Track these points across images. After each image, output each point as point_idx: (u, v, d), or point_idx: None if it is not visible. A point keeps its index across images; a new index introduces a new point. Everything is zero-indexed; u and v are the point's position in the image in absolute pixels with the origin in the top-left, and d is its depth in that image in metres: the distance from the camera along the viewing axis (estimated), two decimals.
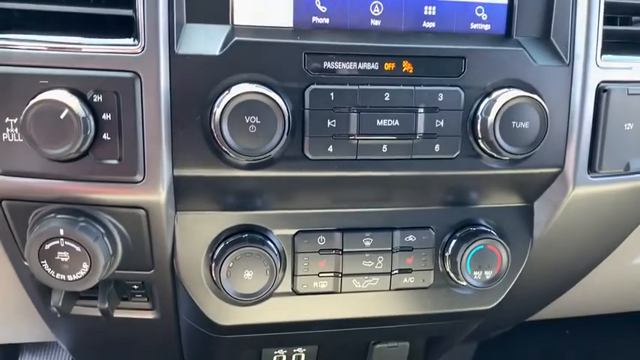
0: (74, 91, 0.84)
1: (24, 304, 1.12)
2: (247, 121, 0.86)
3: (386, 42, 0.93)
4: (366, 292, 1.05)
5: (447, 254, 1.05)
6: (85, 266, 0.88)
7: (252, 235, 0.99)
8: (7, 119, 0.85)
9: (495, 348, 1.94)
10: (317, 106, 0.90)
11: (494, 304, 1.11)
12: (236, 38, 0.88)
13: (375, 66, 0.92)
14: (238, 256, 0.96)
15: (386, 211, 1.04)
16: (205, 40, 0.88)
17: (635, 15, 1.09)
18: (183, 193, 0.93)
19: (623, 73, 1.02)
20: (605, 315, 1.68)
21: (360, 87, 0.91)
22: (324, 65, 0.90)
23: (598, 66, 1.00)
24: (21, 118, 0.82)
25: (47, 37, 0.86)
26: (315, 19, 0.94)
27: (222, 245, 0.98)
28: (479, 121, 0.95)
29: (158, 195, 0.90)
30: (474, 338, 1.53)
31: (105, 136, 0.86)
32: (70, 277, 0.89)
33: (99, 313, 1.03)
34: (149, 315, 1.10)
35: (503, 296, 1.11)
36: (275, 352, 1.21)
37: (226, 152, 0.88)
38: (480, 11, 0.98)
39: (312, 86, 0.90)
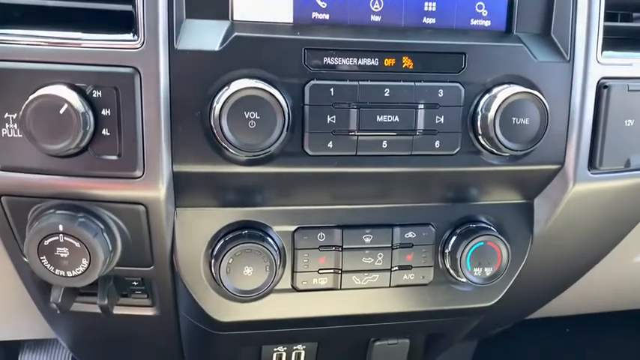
0: (73, 87, 0.84)
1: (24, 300, 1.12)
2: (247, 116, 0.86)
3: (386, 38, 0.92)
4: (365, 288, 1.05)
5: (447, 251, 1.05)
6: (85, 262, 0.88)
7: (251, 232, 0.98)
8: (6, 115, 0.85)
9: (495, 346, 1.94)
10: (317, 102, 0.90)
11: (494, 301, 1.11)
12: (236, 34, 0.88)
13: (375, 62, 0.92)
14: (238, 253, 0.96)
15: (386, 208, 1.04)
16: (205, 36, 0.88)
17: (636, 11, 1.09)
18: (183, 189, 0.93)
19: (624, 69, 1.02)
20: (606, 313, 1.68)
21: (360, 83, 0.91)
22: (324, 61, 0.90)
23: (598, 62, 1.00)
24: (20, 113, 0.82)
25: (47, 32, 0.86)
26: (315, 14, 0.93)
27: (221, 241, 0.98)
28: (479, 117, 0.94)
29: (158, 191, 0.90)
30: (473, 336, 1.53)
31: (104, 132, 0.86)
32: (69, 273, 0.89)
33: (98, 310, 1.03)
34: (149, 311, 1.09)
35: (503, 293, 1.11)
36: (275, 349, 1.21)
37: (226, 148, 0.88)
38: (480, 7, 0.98)
39: (312, 82, 0.90)
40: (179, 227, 0.97)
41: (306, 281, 1.03)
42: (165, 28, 0.86)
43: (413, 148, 0.94)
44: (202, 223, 0.98)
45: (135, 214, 0.92)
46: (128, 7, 0.87)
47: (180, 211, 0.97)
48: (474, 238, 1.03)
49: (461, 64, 0.94)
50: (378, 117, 0.92)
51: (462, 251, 1.03)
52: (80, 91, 0.84)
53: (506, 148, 0.94)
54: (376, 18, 0.95)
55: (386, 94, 0.92)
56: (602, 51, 1.00)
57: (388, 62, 0.92)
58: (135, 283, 1.05)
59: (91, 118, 0.84)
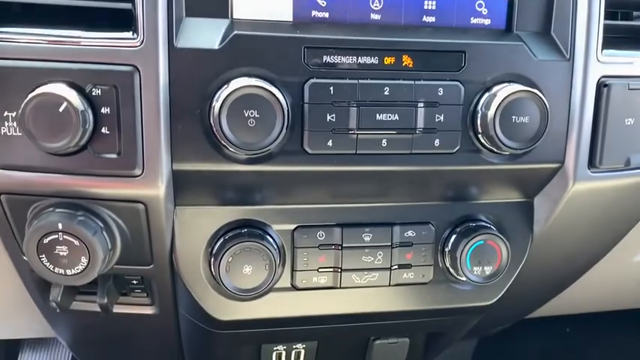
0: (73, 85, 0.84)
1: (23, 299, 1.12)
2: (246, 115, 0.85)
3: (386, 36, 0.92)
4: (365, 287, 1.05)
5: (446, 250, 1.05)
6: (84, 260, 0.88)
7: (251, 230, 0.98)
8: (5, 113, 0.85)
9: (495, 345, 1.94)
10: (316, 100, 0.90)
11: (494, 300, 1.11)
12: (235, 32, 0.87)
13: (374, 60, 0.92)
14: (237, 251, 0.95)
15: (385, 207, 1.04)
16: (204, 34, 0.88)
17: (636, 10, 1.09)
18: (183, 187, 0.93)
19: (624, 67, 1.02)
20: (606, 312, 1.67)
21: (360, 81, 0.91)
22: (324, 59, 0.90)
23: (599, 61, 1.00)
24: (19, 111, 0.82)
25: (46, 30, 0.86)
26: (314, 13, 0.93)
27: (221, 240, 0.98)
28: (479, 115, 0.94)
29: (157, 189, 0.89)
30: (473, 335, 1.53)
31: (104, 130, 0.86)
32: (68, 272, 0.89)
33: (98, 309, 1.03)
34: (148, 310, 1.09)
35: (502, 292, 1.11)
36: (274, 348, 1.21)
37: (225, 146, 0.88)
38: (480, 6, 0.98)
39: (312, 80, 0.89)
40: (178, 226, 0.97)
41: (306, 280, 1.02)
42: (164, 26, 0.86)
43: (413, 146, 0.94)
44: (202, 221, 0.98)
45: (134, 213, 0.92)
46: (128, 6, 0.87)
47: (180, 210, 0.97)
48: (474, 237, 1.03)
49: (461, 63, 0.94)
50: (377, 115, 0.92)
51: (462, 250, 1.03)
52: (79, 90, 0.84)
53: (506, 146, 0.94)
54: (376, 16, 0.95)
55: (386, 93, 0.92)
56: (602, 49, 1.00)
57: (388, 61, 0.92)
58: (134, 282, 1.05)
59: (91, 117, 0.84)
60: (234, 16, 0.91)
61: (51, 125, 0.82)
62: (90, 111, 0.84)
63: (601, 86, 1.00)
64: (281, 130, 0.87)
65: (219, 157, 0.90)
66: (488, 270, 1.05)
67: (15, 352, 1.83)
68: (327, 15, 0.94)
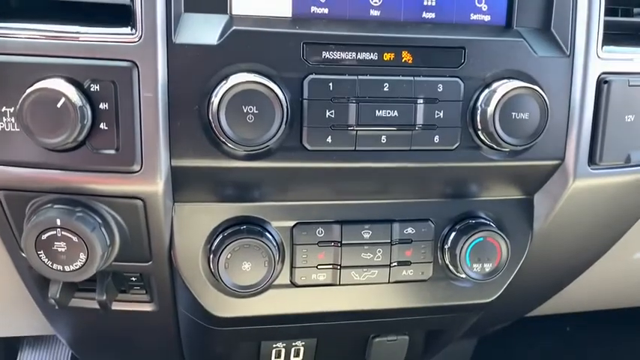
0: (71, 80, 0.83)
1: (22, 297, 1.12)
2: (245, 110, 0.85)
3: (385, 32, 0.92)
4: (364, 284, 1.04)
5: (446, 247, 1.05)
6: (82, 257, 0.88)
7: (250, 227, 0.98)
8: (3, 108, 0.85)
9: (495, 344, 1.94)
10: (315, 96, 0.89)
11: (494, 298, 1.11)
12: (234, 28, 0.87)
13: (374, 56, 0.91)
14: (236, 248, 0.95)
15: (385, 203, 1.04)
16: (203, 30, 0.88)
17: (637, 6, 1.09)
18: (181, 183, 0.93)
19: (624, 64, 1.01)
20: (606, 311, 1.67)
21: (359, 77, 0.91)
22: (323, 55, 0.90)
23: (599, 57, 0.99)
24: (17, 107, 0.82)
25: (44, 25, 0.86)
26: (314, 9, 0.93)
27: (220, 237, 0.97)
28: (478, 112, 0.94)
29: (156, 185, 0.89)
30: (473, 333, 1.53)
31: (102, 126, 0.85)
32: (67, 268, 0.88)
33: (97, 306, 1.03)
34: (147, 307, 1.09)
35: (502, 289, 1.11)
36: (274, 345, 1.21)
37: (224, 142, 0.88)
38: (480, 2, 0.98)
39: (311, 76, 0.89)
40: (177, 222, 0.97)
41: (305, 277, 1.02)
42: (163, 21, 0.86)
43: (412, 143, 0.94)
44: (201, 218, 0.98)
45: (133, 209, 0.91)
46: (126, 1, 0.86)
47: (179, 206, 0.97)
48: (474, 234, 1.02)
49: (460, 59, 0.94)
50: (377, 112, 0.91)
51: (462, 247, 1.02)
52: (78, 85, 0.84)
53: (506, 143, 0.93)
54: (375, 12, 0.95)
55: (385, 89, 0.91)
56: (602, 46, 0.99)
57: (387, 57, 0.92)
58: (133, 279, 1.05)
59: (89, 112, 0.84)
60: (233, 12, 0.91)
61: (49, 121, 0.81)
62: (88, 106, 0.83)
63: (601, 83, 1.00)
64: (280, 126, 0.87)
65: (218, 153, 0.89)
66: (487, 267, 1.04)
67: (14, 351, 1.83)
68: (326, 11, 0.93)
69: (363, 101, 0.91)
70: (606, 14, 1.00)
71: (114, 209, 0.91)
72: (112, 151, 0.87)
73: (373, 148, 0.93)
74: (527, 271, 1.12)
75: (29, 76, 0.83)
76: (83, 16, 0.87)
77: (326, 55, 0.90)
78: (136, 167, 0.88)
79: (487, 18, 0.98)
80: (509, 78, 0.95)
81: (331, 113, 0.90)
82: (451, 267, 1.06)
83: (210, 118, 0.86)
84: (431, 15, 0.96)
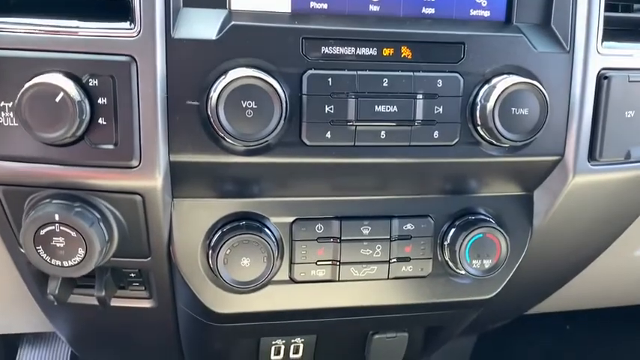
0: (70, 75, 0.83)
1: (22, 293, 1.12)
2: (244, 105, 0.85)
3: (385, 27, 0.92)
4: (364, 280, 1.04)
5: (445, 243, 1.05)
6: (81, 252, 0.88)
7: (249, 223, 0.98)
8: (2, 103, 0.85)
9: (494, 342, 1.94)
10: (314, 92, 0.89)
11: (493, 294, 1.10)
12: (233, 22, 0.87)
13: (373, 51, 0.91)
14: (235, 243, 0.95)
15: (384, 199, 1.04)
16: (202, 25, 0.87)
17: (637, 2, 1.09)
18: (180, 179, 0.93)
19: (624, 60, 1.01)
20: (606, 309, 1.67)
21: (359, 72, 0.90)
22: (322, 50, 0.89)
23: (599, 53, 0.99)
24: (16, 101, 0.81)
25: (43, 20, 0.85)
26: (313, 4, 0.93)
27: (219, 232, 0.97)
28: (478, 107, 0.94)
29: (154, 180, 0.89)
30: (473, 330, 1.52)
31: (100, 121, 0.85)
32: (65, 263, 0.88)
33: (96, 302, 1.03)
34: (146, 304, 1.09)
35: (502, 286, 1.10)
36: (273, 342, 1.21)
37: (223, 137, 0.88)
38: None
39: (310, 71, 0.89)
40: (176, 218, 0.97)
41: (304, 273, 1.02)
42: (162, 16, 0.86)
43: (411, 138, 0.94)
44: (200, 213, 0.98)
45: (131, 204, 0.91)
46: None
47: (178, 202, 0.96)
48: (473, 230, 1.02)
49: (460, 54, 0.93)
50: (376, 107, 0.91)
51: (461, 243, 1.02)
52: (76, 80, 0.83)
53: (506, 138, 0.93)
54: (375, 8, 0.95)
55: (384, 84, 0.91)
56: (602, 42, 0.99)
57: (387, 52, 0.92)
58: (132, 275, 1.05)
59: (87, 107, 0.83)
60: (231, 7, 0.91)
61: (47, 115, 0.81)
62: (87, 101, 0.83)
63: (601, 78, 0.99)
64: (279, 122, 0.86)
65: (217, 148, 0.89)
66: (487, 263, 1.04)
67: (14, 348, 1.83)
68: (325, 6, 0.93)
69: (363, 96, 0.91)
70: (606, 10, 0.99)
71: (112, 204, 0.91)
72: (111, 146, 0.86)
73: (372, 144, 0.93)
74: (526, 267, 1.12)
75: (28, 70, 0.83)
76: (82, 11, 0.87)
77: (325, 50, 0.90)
78: (135, 162, 0.87)
79: (487, 13, 0.98)
80: (508, 73, 0.94)
81: (330, 108, 0.90)
82: (451, 263, 1.05)
83: (209, 113, 0.86)
84: (430, 10, 0.96)
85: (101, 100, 0.85)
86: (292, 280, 1.03)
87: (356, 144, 0.92)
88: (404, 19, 0.95)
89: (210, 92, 0.86)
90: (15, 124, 0.85)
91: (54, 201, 0.88)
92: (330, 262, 1.02)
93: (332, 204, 1.02)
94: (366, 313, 1.09)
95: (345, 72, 0.90)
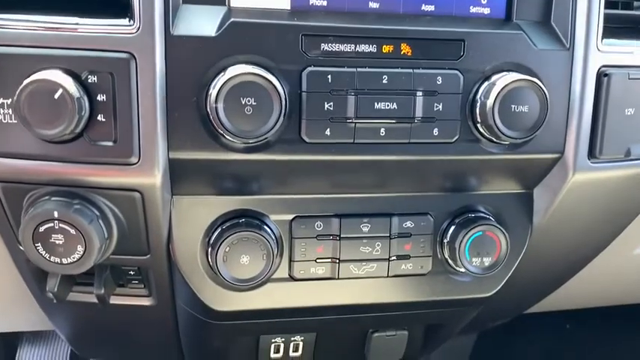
0: (69, 72, 0.83)
1: (21, 291, 1.12)
2: (243, 102, 0.85)
3: (384, 24, 0.92)
4: (363, 278, 1.04)
5: (445, 240, 1.05)
6: (80, 249, 0.87)
7: (248, 220, 0.98)
8: (1, 100, 0.84)
9: (494, 341, 1.94)
10: (314, 89, 0.89)
11: (493, 292, 1.10)
12: (232, 19, 0.87)
13: (373, 48, 0.91)
14: (235, 241, 0.95)
15: (384, 197, 1.04)
16: (201, 22, 0.87)
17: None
18: (180, 176, 0.92)
19: (624, 57, 1.01)
20: (606, 308, 1.67)
21: (358, 69, 0.90)
22: (322, 47, 0.89)
23: (599, 50, 0.99)
24: (15, 98, 0.81)
25: (43, 17, 0.85)
26: (312, 1, 0.93)
27: (218, 230, 0.97)
28: (478, 104, 0.94)
29: (153, 177, 0.89)
30: (472, 328, 1.52)
31: (100, 118, 0.85)
32: (64, 260, 0.88)
33: (95, 300, 1.02)
34: (145, 302, 1.09)
35: (502, 284, 1.10)
36: (272, 340, 1.21)
37: (222, 134, 0.87)
38: None
39: (309, 68, 0.89)
40: (175, 215, 0.97)
41: (304, 270, 1.02)
42: (161, 13, 0.85)
43: (411, 135, 0.94)
44: (199, 211, 0.98)
45: (131, 201, 0.91)
46: None
47: (177, 199, 0.96)
48: (473, 228, 1.02)
49: (460, 52, 0.93)
50: (376, 104, 0.91)
51: (461, 241, 1.02)
52: (75, 76, 0.83)
53: (506, 136, 0.93)
54: (374, 5, 0.94)
55: (384, 81, 0.91)
56: (602, 39, 0.99)
57: (386, 49, 0.91)
58: (131, 273, 1.05)
59: (86, 104, 0.83)
60: (231, 4, 0.90)
61: (46, 112, 0.81)
62: (86, 98, 0.83)
63: (601, 76, 0.99)
64: (278, 118, 0.86)
65: (217, 145, 0.89)
66: (487, 261, 1.04)
67: (14, 347, 1.83)
68: (325, 3, 0.93)
69: (362, 93, 0.90)
70: (606, 7, 0.99)
71: (111, 202, 0.91)
72: (110, 143, 0.86)
73: (372, 141, 0.93)
74: (526, 265, 1.12)
75: (27, 67, 0.83)
76: (81, 8, 0.86)
77: (325, 47, 0.89)
78: (134, 159, 0.87)
79: (487, 11, 0.98)
80: (508, 71, 0.94)
81: (330, 106, 0.90)
82: (450, 261, 1.05)
83: (208, 110, 0.86)
84: (430, 7, 0.96)
85: (100, 97, 0.84)
86: (292, 278, 1.02)
87: (355, 141, 0.92)
88: (403, 16, 0.95)
89: (209, 89, 0.86)
90: (14, 121, 0.85)
91: (53, 198, 0.88)
92: (329, 260, 1.02)
93: (331, 201, 1.02)
94: (365, 310, 1.09)
95: (345, 69, 0.90)
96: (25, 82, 0.81)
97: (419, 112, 0.93)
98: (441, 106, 0.93)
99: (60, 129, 0.82)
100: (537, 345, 1.97)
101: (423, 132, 0.94)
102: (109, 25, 0.85)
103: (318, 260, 1.02)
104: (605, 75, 0.99)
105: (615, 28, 1.02)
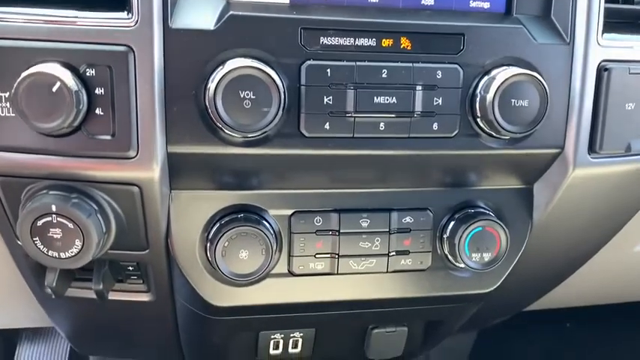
0: (67, 65, 0.83)
1: (20, 287, 1.11)
2: (242, 96, 0.84)
3: (384, 18, 0.91)
4: (363, 273, 1.04)
5: (445, 236, 1.04)
6: (78, 243, 0.87)
7: (247, 215, 0.97)
8: None
9: (494, 339, 1.93)
10: (313, 83, 0.89)
11: (493, 288, 1.10)
12: (231, 12, 0.86)
13: (372, 42, 0.91)
14: (234, 236, 0.95)
15: (383, 192, 1.03)
16: (200, 15, 0.87)
17: None
18: (178, 170, 0.92)
19: (625, 52, 1.00)
20: (606, 306, 1.67)
21: (358, 63, 0.90)
22: (321, 41, 0.89)
23: (599, 45, 0.98)
24: (12, 91, 0.81)
25: (41, 10, 0.85)
26: None
27: (217, 225, 0.97)
28: (477, 99, 0.93)
29: (152, 171, 0.89)
30: (472, 326, 1.52)
31: (98, 111, 0.85)
32: (62, 255, 0.88)
33: (94, 296, 1.02)
34: (144, 297, 1.09)
35: (501, 280, 1.10)
36: (272, 336, 1.20)
37: (221, 128, 0.87)
38: None
39: (309, 62, 0.88)
40: (174, 210, 0.96)
41: (303, 266, 1.02)
42: (159, 6, 0.85)
43: (411, 130, 0.93)
44: (198, 206, 0.97)
45: (129, 196, 0.91)
46: None
47: (176, 194, 0.96)
48: (473, 223, 1.02)
49: (460, 46, 0.93)
50: (375, 98, 0.91)
51: (461, 236, 1.02)
52: (73, 70, 0.83)
53: (505, 130, 0.93)
54: None
55: (383, 75, 0.91)
56: (602, 33, 0.99)
57: (386, 43, 0.91)
58: (130, 268, 1.04)
59: (84, 97, 0.83)
60: None
61: (44, 105, 0.81)
62: (84, 91, 0.83)
63: (601, 70, 0.99)
64: (277, 112, 0.86)
65: (215, 139, 0.89)
66: (487, 257, 1.04)
67: (13, 345, 1.83)
68: None
69: (362, 87, 0.90)
70: (607, 1, 0.99)
71: (110, 196, 0.91)
72: (108, 137, 0.86)
73: (371, 135, 0.92)
74: (526, 261, 1.11)
75: (24, 60, 0.83)
76: (80, 1, 0.86)
77: (324, 40, 0.89)
78: (132, 153, 0.87)
79: (486, 5, 0.98)
80: (508, 65, 0.94)
81: (329, 100, 0.90)
82: (450, 257, 1.05)
83: (207, 103, 0.86)
84: (430, 1, 0.95)
85: (98, 91, 0.84)
86: (291, 273, 1.02)
87: (355, 135, 0.92)
88: (403, 9, 0.95)
89: (208, 82, 0.86)
90: (12, 115, 0.84)
91: (51, 192, 0.87)
92: (328, 255, 1.02)
93: (331, 196, 1.01)
94: (365, 306, 1.09)
95: (344, 63, 0.89)
96: (23, 74, 0.81)
97: (418, 107, 0.92)
98: (440, 101, 0.93)
99: (58, 122, 0.81)
100: (537, 344, 1.97)
101: (422, 126, 0.93)
102: (107, 18, 0.85)
103: (317, 255, 1.02)
104: (606, 69, 0.99)
105: (616, 23, 1.02)
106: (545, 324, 1.93)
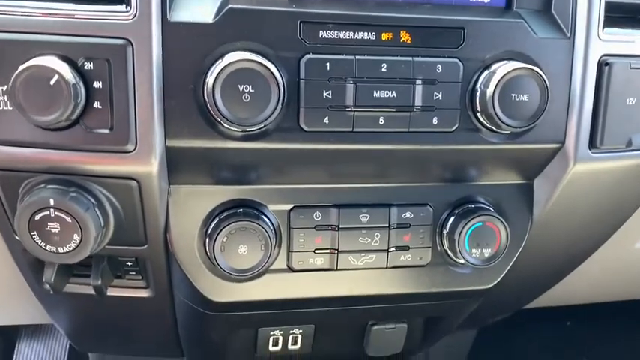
0: (65, 58, 0.82)
1: (19, 284, 1.11)
2: (241, 89, 0.84)
3: (383, 12, 0.91)
4: (362, 269, 1.03)
5: (445, 231, 1.04)
6: (76, 238, 0.87)
7: (246, 210, 0.97)
8: None
9: (494, 336, 1.93)
10: (312, 76, 0.88)
11: (493, 284, 1.09)
12: (230, 6, 0.86)
13: (372, 36, 0.90)
14: (233, 231, 0.94)
15: (383, 187, 1.03)
16: (198, 8, 0.86)
17: None
18: (177, 165, 0.92)
19: (626, 46, 1.00)
20: (606, 304, 1.66)
21: (357, 57, 0.89)
22: (320, 34, 0.88)
23: (600, 39, 0.98)
24: (10, 84, 0.81)
25: (39, 3, 0.84)
26: None
27: (216, 220, 0.96)
28: (478, 93, 0.93)
29: (150, 166, 0.88)
30: (472, 323, 1.51)
31: (96, 105, 0.84)
32: (60, 249, 0.87)
33: (92, 292, 1.02)
34: (143, 293, 1.08)
35: (502, 275, 1.09)
36: (271, 333, 1.20)
37: (220, 122, 0.87)
38: None
39: (308, 56, 0.88)
40: (173, 205, 0.96)
41: (302, 261, 1.01)
42: None
43: (410, 124, 0.93)
44: (197, 201, 0.97)
45: (127, 190, 0.90)
46: None
47: (175, 189, 0.96)
48: (473, 219, 1.01)
49: (460, 40, 0.92)
50: (375, 92, 0.90)
51: (460, 232, 1.01)
52: (71, 63, 0.83)
53: (506, 125, 0.92)
54: None
55: (383, 69, 0.90)
56: (603, 28, 0.98)
57: (386, 37, 0.91)
58: (129, 264, 1.04)
59: (83, 90, 0.82)
60: None
61: (42, 98, 0.80)
62: (82, 85, 0.82)
63: (602, 65, 0.98)
64: (276, 106, 0.85)
65: (214, 133, 0.88)
66: (487, 252, 1.03)
67: (12, 342, 1.83)
68: None
69: (361, 82, 0.90)
70: None
71: (108, 190, 0.90)
72: (106, 131, 0.85)
73: (371, 130, 0.92)
74: (526, 258, 1.11)
75: (22, 53, 0.82)
76: None
77: (323, 34, 0.89)
78: (130, 147, 0.86)
79: None
80: (508, 59, 0.93)
81: (328, 94, 0.89)
82: (450, 252, 1.04)
83: (206, 97, 0.85)
84: None
85: (97, 84, 0.84)
86: (290, 269, 1.02)
87: (354, 130, 0.91)
88: (403, 3, 0.94)
89: (206, 76, 0.85)
90: (9, 108, 0.84)
91: (49, 186, 0.87)
92: (328, 251, 1.01)
93: (330, 192, 1.01)
94: (364, 302, 1.08)
95: (344, 57, 0.89)
96: (21, 67, 0.80)
97: (418, 101, 0.92)
98: (440, 95, 0.92)
99: (55, 115, 0.81)
100: (537, 342, 1.96)
101: (422, 121, 0.93)
102: (105, 11, 0.84)
103: (316, 251, 1.01)
104: (606, 64, 0.98)
105: (616, 17, 1.01)
106: (545, 322, 1.93)
